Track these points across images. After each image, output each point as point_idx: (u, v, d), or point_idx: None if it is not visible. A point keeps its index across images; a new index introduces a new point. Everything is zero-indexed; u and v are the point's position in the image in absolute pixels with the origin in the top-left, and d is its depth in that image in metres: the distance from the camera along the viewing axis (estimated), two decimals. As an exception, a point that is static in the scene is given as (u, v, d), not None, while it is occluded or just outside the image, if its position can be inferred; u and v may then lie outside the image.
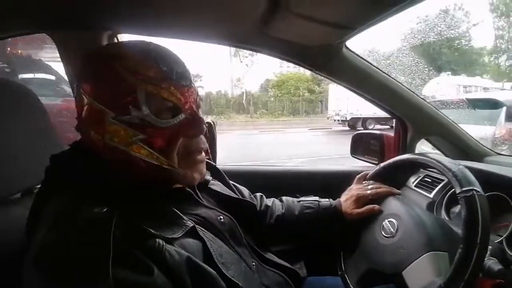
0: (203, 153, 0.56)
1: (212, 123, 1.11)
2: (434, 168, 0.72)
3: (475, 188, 0.59)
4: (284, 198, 0.86)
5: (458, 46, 17.03)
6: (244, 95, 23.34)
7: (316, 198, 0.83)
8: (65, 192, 0.45)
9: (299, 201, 0.83)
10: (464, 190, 0.59)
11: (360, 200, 0.78)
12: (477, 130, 2.91)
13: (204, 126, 0.52)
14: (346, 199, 0.80)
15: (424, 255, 0.61)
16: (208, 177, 0.68)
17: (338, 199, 0.82)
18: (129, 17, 0.81)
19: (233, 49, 21.65)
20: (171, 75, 0.49)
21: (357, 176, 0.88)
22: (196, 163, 0.54)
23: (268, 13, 0.74)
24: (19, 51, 3.79)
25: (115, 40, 0.89)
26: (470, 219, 0.56)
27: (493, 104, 3.28)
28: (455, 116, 3.60)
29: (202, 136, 0.54)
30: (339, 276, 0.76)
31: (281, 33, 0.86)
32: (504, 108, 3.17)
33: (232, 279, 0.46)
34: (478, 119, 3.13)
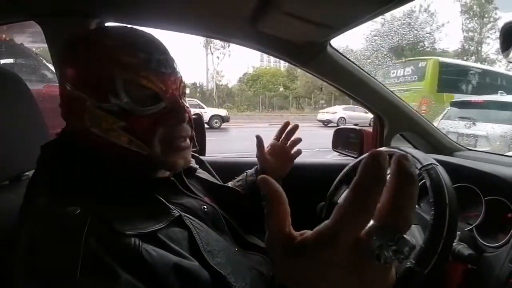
0: (188, 140, 0.55)
1: (200, 114, 1.12)
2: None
3: (433, 162, 0.67)
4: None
5: (421, 49, 17.08)
6: (215, 88, 23.28)
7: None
8: (48, 186, 0.45)
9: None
10: (424, 165, 0.68)
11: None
12: (501, 128, 3.72)
13: (186, 115, 0.52)
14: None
15: None
16: (196, 165, 0.70)
17: None
18: (118, 5, 0.81)
19: (203, 40, 21.37)
20: (150, 62, 0.48)
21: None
22: (179, 150, 0.53)
23: (258, 10, 0.77)
24: (3, 36, 3.59)
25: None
26: (435, 185, 0.63)
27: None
28: (483, 115, 4.11)
29: (185, 124, 0.53)
30: None
31: (270, 29, 0.89)
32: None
33: (215, 267, 0.45)
34: (503, 119, 3.87)
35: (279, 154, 0.81)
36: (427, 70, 6.56)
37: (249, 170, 0.83)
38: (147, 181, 0.52)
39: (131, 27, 0.51)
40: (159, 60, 0.49)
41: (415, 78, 6.75)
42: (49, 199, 0.42)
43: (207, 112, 11.15)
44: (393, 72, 7.22)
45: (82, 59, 0.48)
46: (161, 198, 0.49)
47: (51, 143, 0.52)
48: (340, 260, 0.23)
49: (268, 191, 0.25)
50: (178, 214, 0.48)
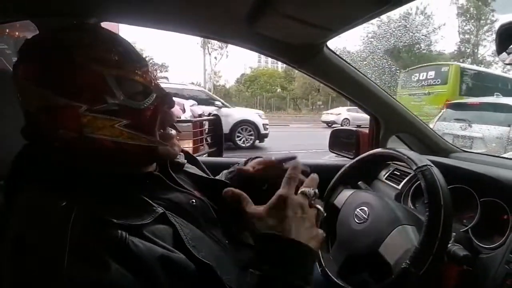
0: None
1: (218, 115, 1.12)
2: (391, 156, 0.80)
3: (428, 163, 0.68)
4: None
5: (417, 51, 16.88)
6: (212, 89, 23.40)
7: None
8: (32, 185, 0.44)
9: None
10: (419, 166, 0.68)
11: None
12: (496, 130, 3.83)
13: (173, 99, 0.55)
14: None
15: (395, 229, 0.69)
16: (184, 160, 0.69)
17: None
18: (117, 6, 0.81)
19: (201, 41, 21.35)
20: (132, 58, 0.49)
21: None
22: (171, 137, 0.55)
23: (255, 12, 0.77)
24: (17, 33, 3.61)
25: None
26: (430, 186, 0.64)
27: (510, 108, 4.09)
28: (478, 117, 4.17)
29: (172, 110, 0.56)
30: (320, 272, 0.79)
31: (267, 30, 0.89)
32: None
33: (203, 260, 0.46)
34: (499, 121, 3.98)
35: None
36: (449, 75, 7.06)
37: (240, 161, 0.81)
38: (135, 176, 0.52)
39: (95, 24, 0.52)
40: (136, 55, 0.51)
41: (438, 81, 7.24)
42: (35, 195, 0.42)
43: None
44: (415, 76, 7.71)
45: (64, 64, 0.45)
46: (145, 197, 0.48)
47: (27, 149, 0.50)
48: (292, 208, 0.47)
49: (232, 195, 0.51)
50: (162, 211, 0.47)
